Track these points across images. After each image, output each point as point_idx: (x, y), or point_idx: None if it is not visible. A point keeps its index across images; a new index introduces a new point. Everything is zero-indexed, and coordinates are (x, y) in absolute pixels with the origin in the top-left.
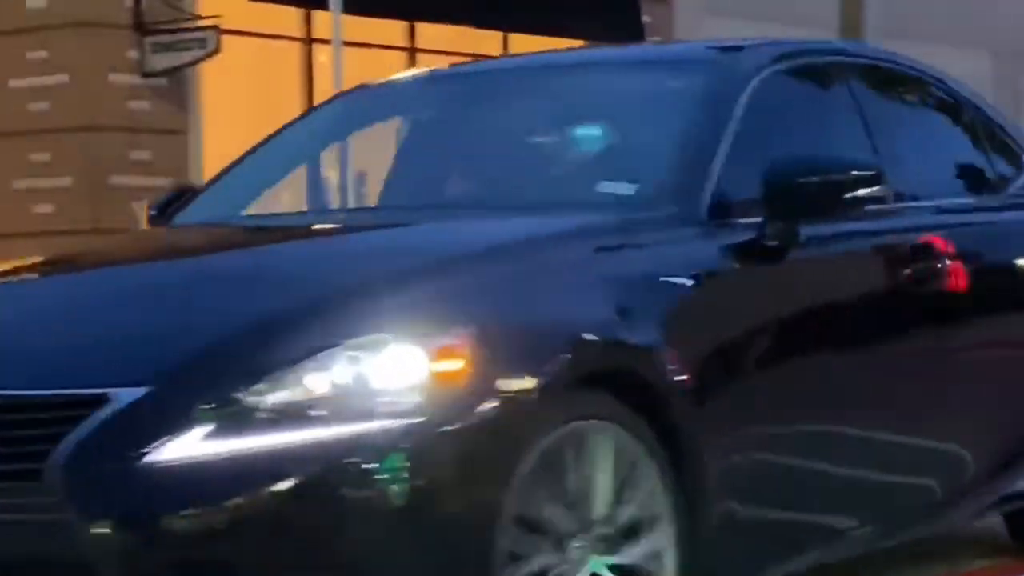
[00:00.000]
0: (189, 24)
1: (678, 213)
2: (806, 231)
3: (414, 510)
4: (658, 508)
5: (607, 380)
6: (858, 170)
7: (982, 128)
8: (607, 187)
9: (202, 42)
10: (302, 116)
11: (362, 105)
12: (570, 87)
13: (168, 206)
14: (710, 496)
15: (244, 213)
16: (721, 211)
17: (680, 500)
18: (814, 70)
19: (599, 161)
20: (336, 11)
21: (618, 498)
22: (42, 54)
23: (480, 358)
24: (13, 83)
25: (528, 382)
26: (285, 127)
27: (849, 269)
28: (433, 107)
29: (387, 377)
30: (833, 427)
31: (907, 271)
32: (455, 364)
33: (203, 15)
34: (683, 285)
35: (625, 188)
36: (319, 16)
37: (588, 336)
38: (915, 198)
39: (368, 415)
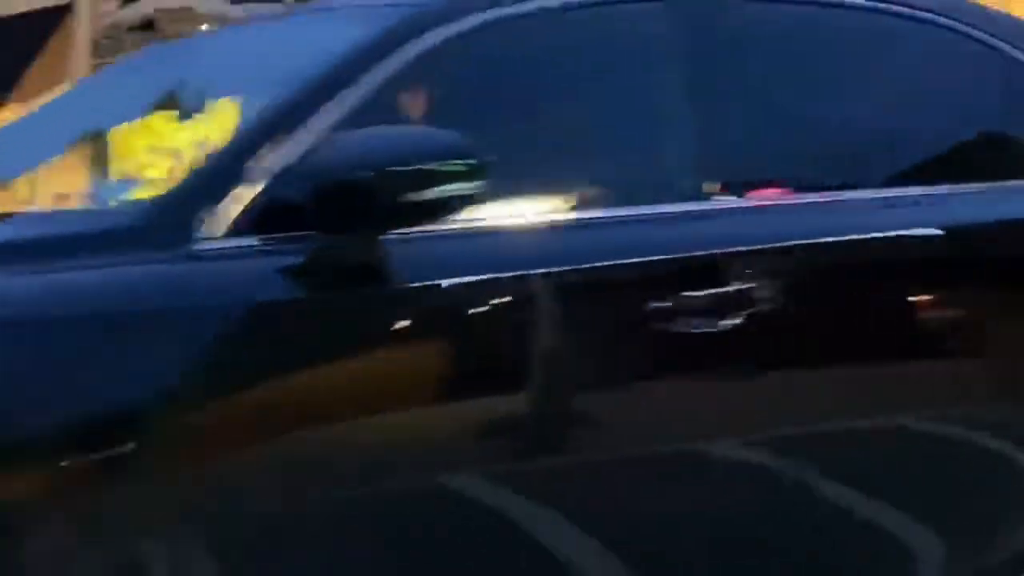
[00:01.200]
0: None
1: (168, 227)
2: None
3: None
4: None
5: None
6: (437, 158)
7: (998, 82)
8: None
9: None
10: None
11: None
12: (238, 52)
13: None
14: None
15: None
16: (271, 222)
17: None
18: (600, 14)
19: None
20: None
21: None
22: None
23: None
24: None
25: None
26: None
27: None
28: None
29: None
30: None
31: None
32: None
33: None
34: (91, 333)
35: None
36: None
37: None
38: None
39: None
